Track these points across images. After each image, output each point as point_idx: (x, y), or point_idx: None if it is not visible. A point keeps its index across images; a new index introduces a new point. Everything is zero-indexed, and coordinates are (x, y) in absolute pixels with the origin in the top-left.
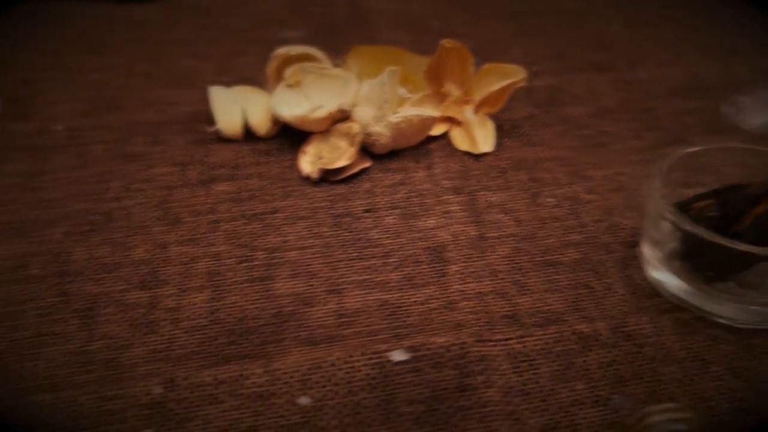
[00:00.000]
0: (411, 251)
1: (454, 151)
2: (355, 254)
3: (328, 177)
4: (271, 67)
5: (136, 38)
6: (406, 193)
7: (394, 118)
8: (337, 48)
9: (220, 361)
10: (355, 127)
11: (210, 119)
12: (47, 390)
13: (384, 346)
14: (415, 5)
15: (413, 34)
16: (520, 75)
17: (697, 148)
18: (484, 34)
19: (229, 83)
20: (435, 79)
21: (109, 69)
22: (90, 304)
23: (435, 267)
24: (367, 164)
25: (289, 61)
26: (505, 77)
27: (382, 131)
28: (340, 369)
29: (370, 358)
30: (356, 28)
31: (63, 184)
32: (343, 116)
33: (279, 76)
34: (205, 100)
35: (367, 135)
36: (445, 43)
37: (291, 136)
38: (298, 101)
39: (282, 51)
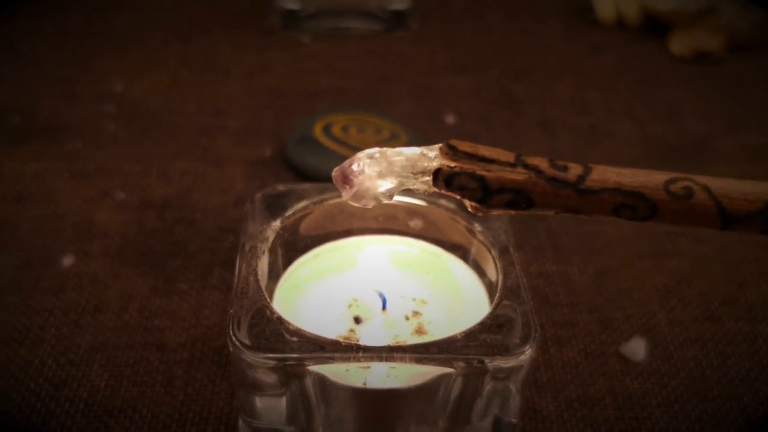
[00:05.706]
0: None
1: None
2: None
3: (695, 59)
4: None
5: None
6: None
7: (755, 15)
8: None
9: None
10: (722, 19)
11: (588, 8)
12: None
13: None
14: None
15: None
16: None
17: None
18: None
19: None
20: None
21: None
22: None
23: None
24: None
25: None
26: None
27: (743, 27)
28: None
29: None
30: None
31: None
32: (704, 14)
33: None
34: None
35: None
36: None
37: (646, 27)
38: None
39: None
